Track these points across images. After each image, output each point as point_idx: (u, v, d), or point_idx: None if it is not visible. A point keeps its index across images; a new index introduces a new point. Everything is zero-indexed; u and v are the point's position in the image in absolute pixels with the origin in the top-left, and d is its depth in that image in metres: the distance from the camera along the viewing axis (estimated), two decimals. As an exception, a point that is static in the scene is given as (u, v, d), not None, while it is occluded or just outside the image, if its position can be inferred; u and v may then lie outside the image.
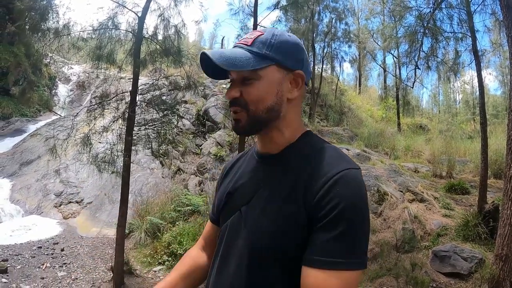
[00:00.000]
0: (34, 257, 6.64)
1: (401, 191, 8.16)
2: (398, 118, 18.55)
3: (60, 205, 9.48)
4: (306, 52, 1.05)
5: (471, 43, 7.61)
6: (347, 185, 0.87)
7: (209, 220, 1.31)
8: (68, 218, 9.06)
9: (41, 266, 6.30)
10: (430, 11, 8.34)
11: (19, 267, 6.14)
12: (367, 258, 0.90)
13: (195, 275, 1.25)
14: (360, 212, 0.88)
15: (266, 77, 0.97)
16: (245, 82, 0.98)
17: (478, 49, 7.44)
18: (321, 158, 0.94)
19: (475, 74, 7.99)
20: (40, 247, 7.10)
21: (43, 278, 5.86)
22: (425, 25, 8.36)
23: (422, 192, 8.11)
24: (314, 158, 0.94)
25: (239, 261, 0.98)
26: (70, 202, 9.61)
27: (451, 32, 8.52)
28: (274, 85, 0.98)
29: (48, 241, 7.52)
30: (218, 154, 10.87)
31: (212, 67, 0.98)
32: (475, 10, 7.81)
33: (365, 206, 0.89)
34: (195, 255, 1.30)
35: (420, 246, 6.51)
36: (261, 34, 0.99)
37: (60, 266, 6.40)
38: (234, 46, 1.00)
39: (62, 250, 7.12)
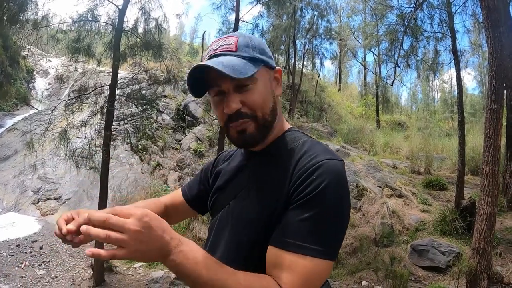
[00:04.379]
0: (13, 255, 6.51)
1: (380, 187, 8.28)
2: (377, 115, 18.83)
3: (38, 202, 9.29)
4: None
5: (450, 43, 7.78)
6: (327, 172, 0.85)
7: (182, 195, 1.30)
8: (47, 215, 8.88)
9: (20, 265, 6.17)
10: (411, 11, 8.47)
11: (-4, 266, 6.01)
12: (338, 251, 0.87)
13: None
14: (338, 199, 0.85)
15: (261, 79, 0.95)
16: (242, 90, 0.93)
17: (457, 49, 7.60)
18: (306, 151, 0.93)
19: (454, 73, 8.15)
20: (19, 245, 6.95)
21: (23, 277, 5.75)
22: (406, 24, 8.47)
23: (401, 187, 8.25)
24: (300, 152, 0.94)
25: (225, 252, 0.98)
26: (48, 199, 9.42)
27: (431, 32, 8.70)
28: (268, 85, 0.99)
29: (26, 239, 7.36)
30: (198, 149, 10.83)
31: (197, 83, 0.96)
32: (456, 11, 7.98)
33: (344, 196, 0.87)
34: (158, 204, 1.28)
35: (398, 240, 6.63)
36: (237, 39, 0.96)
37: (39, 265, 6.28)
38: (215, 55, 0.95)
39: (41, 248, 6.98)
